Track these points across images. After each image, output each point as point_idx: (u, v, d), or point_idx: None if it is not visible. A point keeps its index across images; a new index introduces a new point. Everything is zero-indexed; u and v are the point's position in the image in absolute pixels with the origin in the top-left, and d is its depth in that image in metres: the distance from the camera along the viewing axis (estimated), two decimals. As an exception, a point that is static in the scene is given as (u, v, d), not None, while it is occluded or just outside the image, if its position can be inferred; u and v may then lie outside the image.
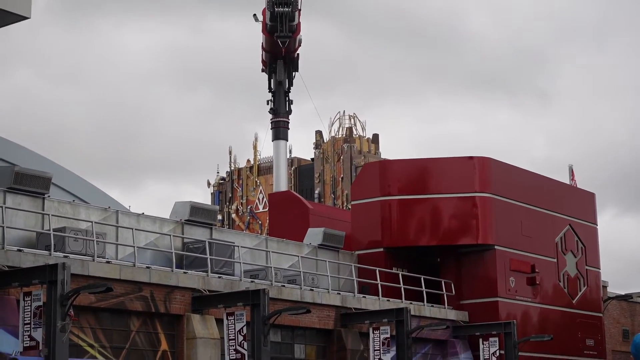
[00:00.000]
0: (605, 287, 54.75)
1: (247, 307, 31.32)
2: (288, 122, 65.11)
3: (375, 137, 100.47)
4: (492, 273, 44.38)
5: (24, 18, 33.61)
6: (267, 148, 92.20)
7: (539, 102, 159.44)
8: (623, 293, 56.83)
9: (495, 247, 44.51)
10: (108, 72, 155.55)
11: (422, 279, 42.50)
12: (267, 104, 65.13)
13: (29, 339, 26.15)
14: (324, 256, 41.49)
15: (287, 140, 66.24)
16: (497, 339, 41.72)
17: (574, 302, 48.79)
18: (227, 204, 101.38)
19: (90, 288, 26.95)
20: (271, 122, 65.09)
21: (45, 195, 31.81)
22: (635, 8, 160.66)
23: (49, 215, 30.40)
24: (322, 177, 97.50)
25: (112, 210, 34.41)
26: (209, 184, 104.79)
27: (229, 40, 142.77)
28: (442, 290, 43.67)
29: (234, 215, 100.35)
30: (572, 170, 58.46)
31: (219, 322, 31.96)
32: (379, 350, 36.71)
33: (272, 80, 64.85)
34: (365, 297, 39.72)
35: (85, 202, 36.20)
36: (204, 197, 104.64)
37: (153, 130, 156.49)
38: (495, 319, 43.17)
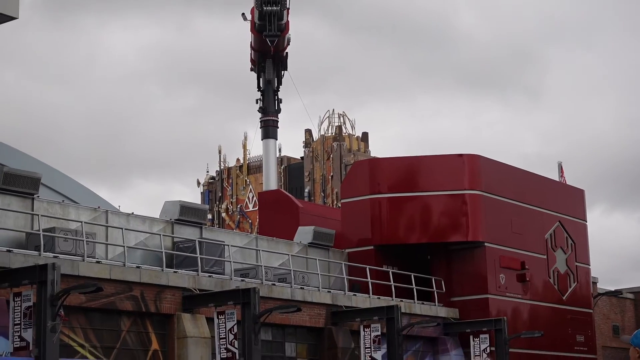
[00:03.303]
0: (595, 283, 54.90)
1: (238, 306, 31.32)
2: (277, 121, 65.09)
3: (365, 135, 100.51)
4: (482, 270, 44.46)
5: (12, 18, 33.59)
6: (256, 147, 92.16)
7: (529, 99, 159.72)
8: (613, 289, 57.03)
9: (485, 244, 44.58)
10: (95, 71, 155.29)
11: (412, 276, 42.55)
12: (256, 102, 65.12)
13: (19, 339, 26.12)
14: (314, 254, 41.52)
15: (276, 139, 66.25)
16: (487, 335, 41.81)
17: (564, 298, 48.90)
18: (217, 203, 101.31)
19: (81, 288, 26.92)
20: (260, 121, 65.06)
21: (35, 196, 31.77)
22: (622, 5, 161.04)
23: (38, 215, 30.36)
24: (311, 175, 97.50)
25: (102, 210, 34.38)
26: (198, 183, 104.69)
27: (217, 38, 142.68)
28: (433, 288, 43.73)
29: (224, 215, 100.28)
30: (562, 167, 58.58)
31: (210, 321, 31.96)
32: (370, 347, 36.76)
33: (261, 79, 64.81)
34: (355, 295, 39.74)
35: (75, 202, 36.15)
36: (194, 196, 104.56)
37: (142, 130, 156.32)
38: (486, 316, 43.25)
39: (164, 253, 32.91)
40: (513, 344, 42.56)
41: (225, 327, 30.95)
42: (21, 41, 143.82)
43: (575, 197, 51.83)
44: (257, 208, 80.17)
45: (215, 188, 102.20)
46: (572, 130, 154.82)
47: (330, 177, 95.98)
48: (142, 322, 31.59)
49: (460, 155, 45.47)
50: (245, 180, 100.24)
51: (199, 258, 33.88)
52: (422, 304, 42.67)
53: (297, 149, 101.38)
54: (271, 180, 65.71)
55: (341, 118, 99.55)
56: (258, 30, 61.72)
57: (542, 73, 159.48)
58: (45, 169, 38.04)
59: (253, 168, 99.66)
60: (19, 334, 26.14)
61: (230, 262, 35.47)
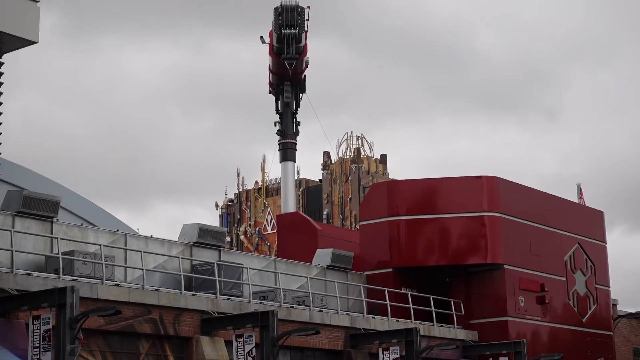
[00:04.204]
0: (615, 305, 54.59)
1: (256, 329, 31.28)
2: (296, 144, 65.15)
3: (383, 157, 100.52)
4: (502, 292, 44.29)
5: (32, 43, 33.85)
6: (275, 169, 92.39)
7: (547, 119, 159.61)
8: (633, 311, 56.67)
9: (505, 266, 44.43)
10: (114, 94, 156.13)
11: (431, 298, 42.43)
12: (275, 125, 65.18)
13: (38, 362, 26.13)
14: (333, 277, 41.46)
15: (294, 162, 66.24)
16: (507, 358, 41.62)
17: (583, 320, 48.65)
18: (236, 225, 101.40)
19: (99, 311, 26.96)
20: (279, 144, 65.13)
21: (54, 219, 31.86)
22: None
23: (57, 238, 30.43)
24: (330, 197, 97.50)
25: (121, 233, 34.45)
26: (217, 205, 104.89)
27: (236, 61, 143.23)
28: (452, 310, 43.58)
29: (242, 237, 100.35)
30: (581, 188, 58.43)
31: (228, 344, 31.91)
32: (389, 370, 36.59)
33: (279, 101, 64.90)
34: (374, 317, 39.64)
35: (94, 225, 36.26)
36: (213, 219, 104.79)
37: (160, 152, 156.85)
38: (505, 339, 43.04)
39: (182, 276, 32.92)
40: (533, 366, 42.34)
41: (244, 350, 30.90)
42: (41, 65, 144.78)
43: (594, 218, 51.63)
44: (275, 230, 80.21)
45: (234, 211, 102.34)
46: (591, 150, 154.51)
47: (348, 200, 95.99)
48: (161, 345, 31.58)
49: (479, 177, 45.39)
50: (264, 203, 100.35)
51: (217, 281, 33.87)
52: (441, 326, 42.52)
53: (315, 171, 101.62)
54: (289, 203, 65.69)
55: (359, 140, 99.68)
56: (276, 53, 61.87)
57: (560, 93, 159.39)
58: (65, 192, 38.20)
59: (271, 190, 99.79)
60: (38, 357, 26.16)
61: (249, 284, 35.45)
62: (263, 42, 63.78)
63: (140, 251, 32.74)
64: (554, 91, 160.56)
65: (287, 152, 64.82)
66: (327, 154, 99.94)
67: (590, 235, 50.39)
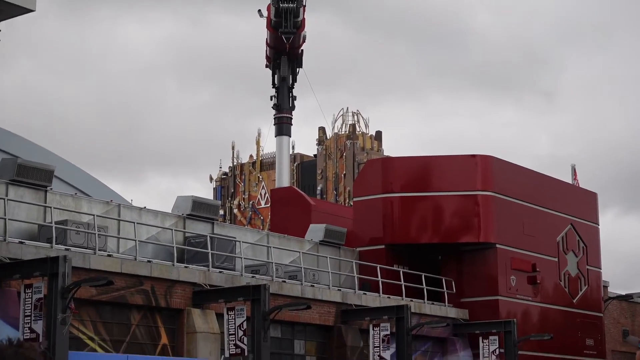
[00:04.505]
0: (606, 287, 54.77)
1: (248, 302, 31.35)
2: (291, 118, 65.00)
3: (379, 134, 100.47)
4: (493, 271, 44.42)
5: (29, 11, 33.72)
6: (270, 144, 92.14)
7: (543, 100, 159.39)
8: (624, 293, 56.86)
9: (497, 245, 44.54)
10: (110, 65, 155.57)
11: (422, 276, 42.53)
12: (271, 99, 65.06)
13: (29, 331, 26.20)
14: (325, 252, 41.54)
15: (290, 136, 66.13)
16: (497, 337, 41.76)
17: (574, 301, 48.82)
18: (229, 199, 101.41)
19: (91, 281, 27.01)
20: (274, 118, 64.98)
21: (48, 188, 31.86)
22: (637, 6, 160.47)
23: (51, 208, 30.46)
24: (324, 173, 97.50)
25: (114, 204, 34.46)
26: (211, 178, 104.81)
27: (233, 34, 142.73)
28: (443, 288, 43.71)
29: (235, 211, 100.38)
30: (575, 169, 58.45)
31: (220, 316, 32.00)
32: (379, 347, 36.74)
33: (276, 75, 64.73)
34: (365, 293, 39.75)
35: (88, 195, 36.25)
36: (206, 191, 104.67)
37: (156, 124, 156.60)
38: (496, 318, 43.21)
39: (175, 248, 32.96)
40: (522, 346, 42.51)
41: (234, 323, 30.99)
42: (37, 33, 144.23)
43: (587, 200, 51.74)
44: (269, 205, 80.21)
45: (228, 184, 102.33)
46: (586, 132, 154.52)
47: (343, 175, 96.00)
48: (152, 317, 31.66)
49: (473, 155, 45.42)
50: (258, 177, 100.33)
51: (210, 253, 33.93)
52: (432, 304, 42.66)
53: (310, 146, 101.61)
54: (284, 177, 65.64)
55: (355, 116, 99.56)
56: (274, 27, 61.70)
57: (556, 74, 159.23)
58: (59, 161, 38.16)
59: (266, 165, 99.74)
60: (29, 325, 26.22)
61: (241, 258, 35.53)
62: (261, 15, 63.57)
63: (134, 222, 32.77)
64: (550, 72, 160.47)
65: (283, 126, 64.69)
66: (322, 130, 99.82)
67: (583, 217, 50.50)
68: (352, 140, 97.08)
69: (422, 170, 45.37)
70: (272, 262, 36.58)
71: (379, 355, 36.61)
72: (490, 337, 41.78)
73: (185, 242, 35.53)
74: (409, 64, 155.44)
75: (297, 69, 64.85)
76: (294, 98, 64.91)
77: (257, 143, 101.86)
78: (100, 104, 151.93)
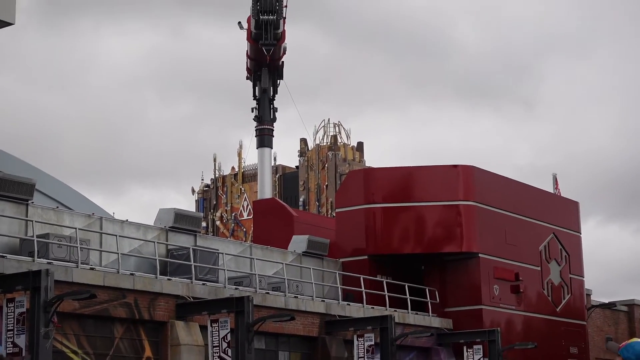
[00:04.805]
0: (589, 295, 54.89)
1: (232, 314, 31.27)
2: (273, 130, 65.05)
3: (360, 145, 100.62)
4: (476, 281, 44.45)
5: (8, 24, 33.60)
6: (251, 155, 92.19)
7: (524, 110, 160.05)
8: (607, 301, 57.00)
9: (479, 255, 44.58)
10: (91, 77, 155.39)
11: (406, 286, 42.52)
12: (252, 111, 65.08)
13: (12, 345, 26.05)
14: (309, 263, 41.49)
15: (271, 148, 66.16)
16: (481, 346, 41.76)
17: (557, 310, 48.89)
18: (212, 211, 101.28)
19: (74, 295, 26.88)
20: (256, 130, 65.00)
21: (29, 202, 31.73)
22: (618, 16, 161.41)
23: (32, 221, 30.30)
24: (306, 184, 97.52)
25: (96, 217, 34.34)
26: (193, 191, 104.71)
27: (213, 46, 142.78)
28: (427, 298, 43.70)
29: (218, 223, 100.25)
30: (556, 178, 58.62)
31: (203, 329, 31.89)
32: (363, 357, 36.71)
33: (256, 87, 64.78)
34: (349, 304, 39.71)
35: (69, 209, 36.10)
36: (188, 204, 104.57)
37: (137, 136, 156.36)
38: (480, 327, 43.21)
39: (157, 260, 32.85)
40: (507, 355, 42.53)
41: (218, 335, 30.90)
42: (17, 47, 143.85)
43: (569, 209, 51.86)
44: (251, 216, 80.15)
45: (210, 196, 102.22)
46: (567, 141, 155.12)
47: (325, 187, 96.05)
48: (136, 330, 31.53)
49: (455, 166, 45.49)
50: (240, 189, 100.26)
51: (192, 266, 33.84)
52: (416, 314, 42.65)
53: (292, 158, 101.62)
54: (266, 189, 65.63)
55: (336, 127, 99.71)
56: (254, 39, 61.73)
57: (537, 84, 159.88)
58: (40, 175, 37.99)
59: (248, 176, 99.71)
60: (12, 340, 26.07)
61: (225, 270, 35.44)
62: (241, 27, 63.59)
63: (116, 235, 32.64)
64: (531, 82, 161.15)
65: (264, 138, 64.71)
66: (304, 141, 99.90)
67: (565, 226, 50.62)
68: (334, 151, 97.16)
69: (404, 181, 45.40)
70: (256, 274, 36.51)
71: (363, 366, 36.53)
72: (475, 347, 41.78)
73: (168, 255, 35.42)
74: (390, 75, 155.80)
75: (278, 81, 64.93)
76: (275, 110, 64.95)
77: (239, 155, 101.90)
78: (82, 116, 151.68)
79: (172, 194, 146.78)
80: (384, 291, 41.49)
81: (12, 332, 26.11)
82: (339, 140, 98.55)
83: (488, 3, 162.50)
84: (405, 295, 42.32)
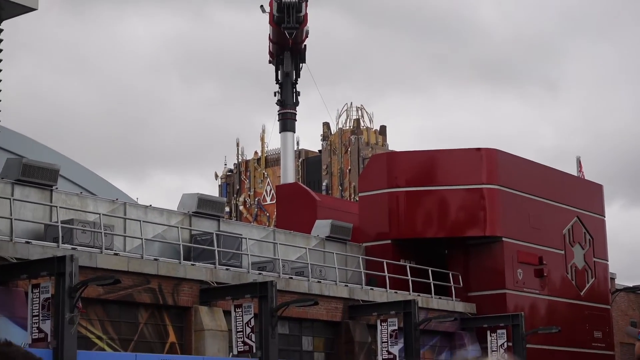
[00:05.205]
0: (613, 279, 54.68)
1: (255, 299, 31.32)
2: (295, 114, 64.94)
3: (383, 128, 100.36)
4: (500, 265, 44.33)
5: (32, 9, 33.72)
6: (274, 140, 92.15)
7: (548, 92, 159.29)
8: (631, 285, 56.75)
9: (503, 239, 44.45)
10: (114, 62, 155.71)
11: (429, 271, 42.47)
12: (275, 95, 64.99)
13: (37, 331, 26.20)
14: (332, 248, 41.48)
15: (294, 132, 66.08)
16: (504, 331, 41.68)
17: (581, 294, 48.73)
18: (235, 195, 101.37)
19: (98, 280, 26.99)
20: (278, 114, 64.92)
21: (53, 187, 31.84)
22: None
23: (56, 207, 30.42)
24: (329, 169, 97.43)
25: (120, 202, 34.43)
26: (216, 175, 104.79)
27: (236, 30, 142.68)
28: (450, 282, 43.64)
29: (241, 207, 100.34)
30: (580, 161, 58.33)
31: (227, 314, 31.97)
32: (387, 342, 36.70)
33: (279, 71, 64.64)
34: (372, 289, 39.70)
35: (93, 194, 36.23)
36: (212, 189, 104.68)
37: (160, 121, 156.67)
38: (503, 311, 43.11)
39: (181, 246, 32.93)
40: (530, 339, 42.42)
41: (242, 321, 30.96)
42: (40, 32, 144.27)
43: (593, 192, 51.63)
44: (274, 201, 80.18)
45: (233, 181, 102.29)
46: (591, 124, 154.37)
47: (348, 171, 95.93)
48: (160, 315, 31.64)
49: (478, 149, 45.34)
50: (263, 173, 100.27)
51: (216, 251, 33.89)
52: (440, 298, 42.60)
53: (315, 142, 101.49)
54: (289, 174, 65.59)
55: (359, 111, 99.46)
56: (276, 22, 61.61)
57: (561, 66, 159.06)
58: (64, 160, 38.15)
59: (271, 161, 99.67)
60: (37, 325, 26.22)
61: (248, 255, 35.48)
62: (263, 11, 63.47)
63: (140, 220, 32.72)
64: (554, 64, 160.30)
65: (287, 122, 64.63)
66: (326, 125, 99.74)
67: (589, 209, 50.40)
68: (357, 135, 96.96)
69: (427, 165, 45.29)
70: (279, 259, 36.54)
71: (387, 351, 36.57)
72: (498, 331, 41.71)
73: (192, 240, 35.49)
74: (413, 58, 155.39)
75: (301, 65, 64.75)
76: (298, 94, 64.81)
77: (262, 139, 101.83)
78: (105, 102, 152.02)
79: (195, 179, 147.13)
80: (407, 276, 41.46)
81: (37, 318, 26.26)
82: (362, 124, 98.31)
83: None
84: (429, 279, 42.27)
